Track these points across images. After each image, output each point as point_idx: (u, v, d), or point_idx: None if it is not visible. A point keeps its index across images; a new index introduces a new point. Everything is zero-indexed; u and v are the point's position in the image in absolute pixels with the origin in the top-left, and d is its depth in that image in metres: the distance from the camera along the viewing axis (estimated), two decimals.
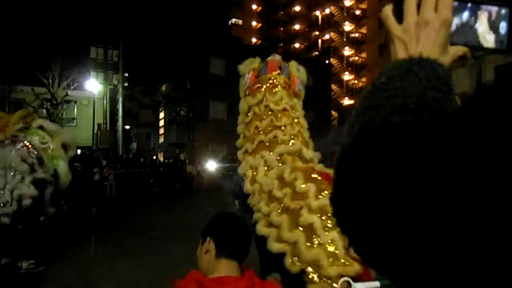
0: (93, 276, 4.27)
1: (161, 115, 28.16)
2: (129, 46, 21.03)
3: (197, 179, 17.73)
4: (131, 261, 4.84)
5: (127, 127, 26.54)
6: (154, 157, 22.65)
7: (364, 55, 35.26)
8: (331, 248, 1.90)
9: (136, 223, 7.54)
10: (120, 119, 20.01)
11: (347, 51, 37.54)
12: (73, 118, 20.74)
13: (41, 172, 4.48)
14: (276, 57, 3.57)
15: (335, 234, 1.89)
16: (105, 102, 19.82)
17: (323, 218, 1.98)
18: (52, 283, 4.06)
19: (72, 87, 19.14)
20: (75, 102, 21.10)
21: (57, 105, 18.68)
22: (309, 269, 1.90)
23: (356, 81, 37.47)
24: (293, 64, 3.56)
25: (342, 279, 1.45)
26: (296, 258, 1.97)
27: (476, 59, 16.53)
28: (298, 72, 3.56)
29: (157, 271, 4.41)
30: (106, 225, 6.98)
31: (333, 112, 32.99)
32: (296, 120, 3.31)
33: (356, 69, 36.96)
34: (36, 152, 4.49)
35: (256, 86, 3.54)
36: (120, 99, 19.26)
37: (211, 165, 17.99)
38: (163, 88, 25.57)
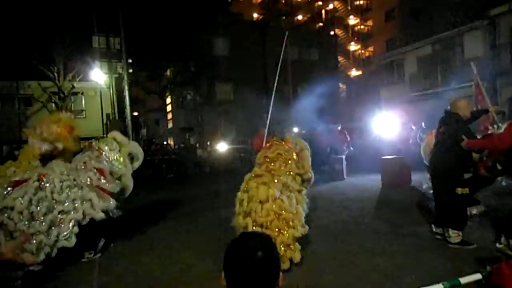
0: (113, 275, 4.35)
1: (168, 100, 28.06)
2: (131, 31, 20.65)
3: (209, 162, 17.81)
4: (148, 255, 4.92)
5: (136, 113, 26.56)
6: (165, 143, 22.76)
7: (370, 23, 34.13)
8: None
9: (154, 213, 7.63)
10: (128, 107, 19.95)
11: (352, 20, 36.37)
12: (82, 110, 20.80)
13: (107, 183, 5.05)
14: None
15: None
16: (111, 91, 19.72)
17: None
18: (59, 281, 4.12)
19: (77, 79, 19.07)
20: (82, 93, 21.08)
21: (65, 98, 18.70)
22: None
23: (362, 51, 36.50)
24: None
25: None
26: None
27: (490, 19, 15.81)
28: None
29: (175, 265, 4.47)
30: (122, 216, 6.85)
31: (341, 85, 32.40)
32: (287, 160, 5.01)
33: (362, 38, 35.91)
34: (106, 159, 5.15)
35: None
36: (126, 87, 19.14)
37: (222, 147, 18.02)
38: (168, 72, 25.34)
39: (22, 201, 4.17)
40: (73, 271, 4.49)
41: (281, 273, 1.17)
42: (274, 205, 4.15)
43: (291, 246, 4.02)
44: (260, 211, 4.10)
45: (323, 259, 4.32)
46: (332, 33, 33.06)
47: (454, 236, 4.28)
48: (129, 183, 5.35)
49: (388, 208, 6.83)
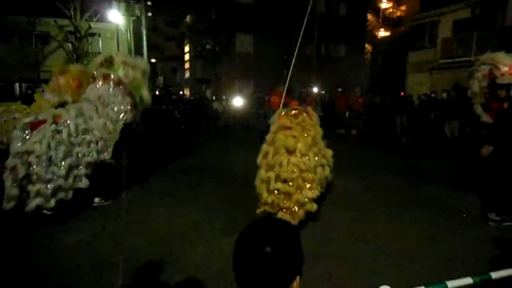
0: (123, 223, 4.35)
1: (186, 48, 27.31)
2: None
3: (223, 116, 17.58)
4: (158, 207, 4.91)
5: (153, 60, 26.07)
6: (181, 92, 22.54)
7: None
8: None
9: (166, 163, 7.61)
10: (145, 52, 19.52)
11: None
12: (98, 52, 20.45)
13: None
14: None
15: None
16: (128, 34, 19.19)
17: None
18: (79, 232, 4.11)
19: (94, 19, 18.53)
20: (99, 35, 20.62)
21: (81, 38, 18.32)
22: None
23: (394, 10, 34.12)
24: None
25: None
26: None
27: None
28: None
29: (184, 220, 4.44)
30: (134, 165, 6.75)
31: (366, 45, 30.82)
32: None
33: None
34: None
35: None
36: (144, 31, 18.55)
37: (238, 102, 17.68)
38: (187, 19, 24.36)
39: (41, 146, 4.09)
40: (82, 216, 4.53)
41: (298, 277, 0.95)
42: (300, 161, 3.91)
43: (305, 206, 3.91)
44: (286, 165, 3.85)
45: (331, 227, 4.21)
46: None
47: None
48: (147, 93, 5.47)
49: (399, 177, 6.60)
